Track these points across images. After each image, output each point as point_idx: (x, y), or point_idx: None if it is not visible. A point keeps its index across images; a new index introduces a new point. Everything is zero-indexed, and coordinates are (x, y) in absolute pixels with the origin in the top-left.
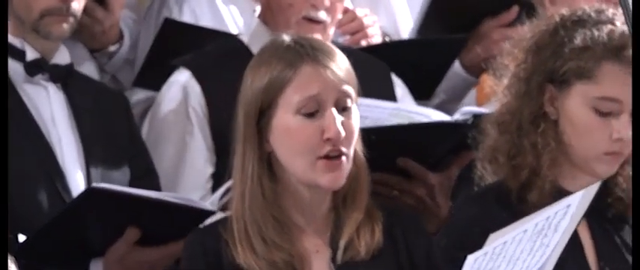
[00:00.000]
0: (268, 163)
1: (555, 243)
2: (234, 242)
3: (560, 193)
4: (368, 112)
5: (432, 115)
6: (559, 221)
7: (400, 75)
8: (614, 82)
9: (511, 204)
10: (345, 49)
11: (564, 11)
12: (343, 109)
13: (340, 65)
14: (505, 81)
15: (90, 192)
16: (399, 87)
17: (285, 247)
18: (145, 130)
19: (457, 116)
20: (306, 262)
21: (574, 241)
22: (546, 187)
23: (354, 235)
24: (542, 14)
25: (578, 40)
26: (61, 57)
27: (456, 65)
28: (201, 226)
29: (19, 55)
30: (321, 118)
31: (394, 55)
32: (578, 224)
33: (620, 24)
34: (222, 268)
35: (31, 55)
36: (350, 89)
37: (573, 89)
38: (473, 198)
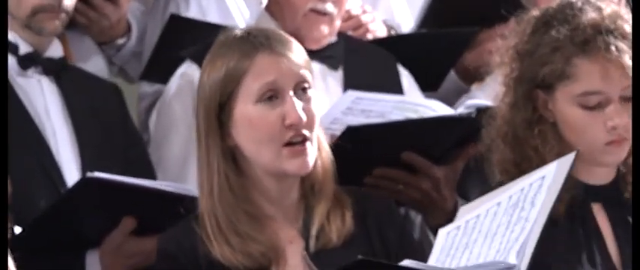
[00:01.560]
0: (232, 157)
1: (534, 217)
2: (209, 237)
3: (582, 186)
4: (372, 105)
5: (436, 107)
6: (535, 194)
7: (407, 67)
8: (590, 76)
9: None
10: (353, 41)
11: (534, 13)
12: (302, 92)
13: (296, 52)
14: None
15: (85, 181)
16: (406, 77)
17: (259, 239)
18: (152, 122)
19: (461, 110)
20: (281, 253)
21: (593, 226)
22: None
23: (325, 222)
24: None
25: (545, 44)
26: (54, 50)
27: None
28: (172, 226)
29: (13, 48)
30: (281, 104)
31: (401, 48)
32: (591, 209)
33: (587, 13)
34: (199, 264)
35: (24, 48)
36: (307, 74)
37: (557, 91)
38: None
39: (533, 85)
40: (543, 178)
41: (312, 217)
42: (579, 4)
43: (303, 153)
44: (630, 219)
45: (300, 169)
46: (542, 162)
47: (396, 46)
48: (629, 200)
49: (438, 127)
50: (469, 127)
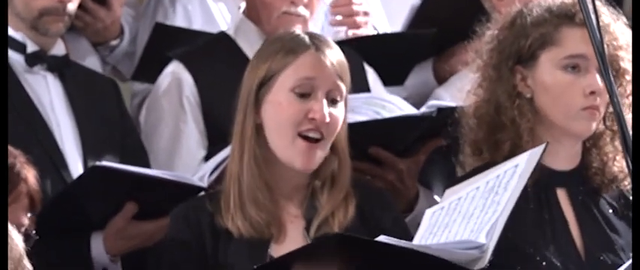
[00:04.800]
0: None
1: (506, 201)
2: (228, 203)
3: (547, 171)
4: None
5: (400, 104)
6: (508, 181)
7: (375, 64)
8: (575, 41)
9: None
10: None
11: (518, 3)
12: (332, 102)
13: (339, 61)
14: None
15: (93, 170)
16: (371, 75)
17: (270, 210)
18: (142, 117)
19: (423, 109)
20: (283, 229)
21: (558, 210)
22: None
23: (329, 216)
24: (494, 19)
25: (535, 14)
26: (58, 49)
27: (430, 76)
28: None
29: (20, 47)
30: (311, 101)
31: (370, 47)
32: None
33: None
34: (203, 236)
35: (31, 47)
36: (342, 86)
37: (541, 60)
38: (464, 177)
39: (514, 62)
40: (516, 166)
41: (316, 209)
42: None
43: (312, 153)
44: (594, 208)
45: (304, 165)
46: (516, 133)
47: (365, 45)
48: (592, 186)
49: (402, 125)
50: (430, 124)
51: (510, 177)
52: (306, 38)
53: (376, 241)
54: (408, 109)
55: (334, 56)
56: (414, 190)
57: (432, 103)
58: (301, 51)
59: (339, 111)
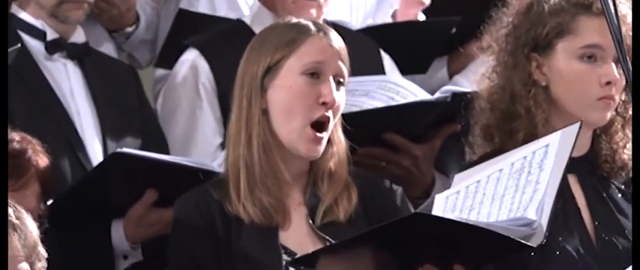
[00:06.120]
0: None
1: (546, 180)
2: (238, 187)
3: None
4: (358, 85)
5: (415, 90)
6: (542, 160)
7: (396, 52)
8: (592, 31)
9: None
10: (338, 28)
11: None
12: (337, 86)
13: (342, 46)
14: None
15: (114, 156)
16: (387, 61)
17: (277, 196)
18: (159, 104)
19: (438, 95)
20: (287, 214)
21: (569, 196)
22: None
23: (333, 203)
24: (510, 4)
25: (552, 3)
26: (78, 36)
27: (444, 72)
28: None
29: (40, 35)
30: (320, 83)
31: (391, 35)
32: (565, 172)
33: None
34: (215, 222)
35: (50, 35)
36: (345, 69)
37: (557, 49)
38: (472, 164)
39: (530, 49)
40: (547, 145)
41: (318, 195)
42: None
43: (319, 142)
44: (604, 194)
45: (309, 151)
46: (532, 123)
47: (385, 33)
48: (601, 174)
49: (416, 110)
50: (445, 109)
51: (543, 156)
52: (310, 24)
53: (446, 218)
54: (423, 95)
55: (338, 41)
56: (430, 176)
57: (447, 89)
58: (307, 36)
59: (341, 95)
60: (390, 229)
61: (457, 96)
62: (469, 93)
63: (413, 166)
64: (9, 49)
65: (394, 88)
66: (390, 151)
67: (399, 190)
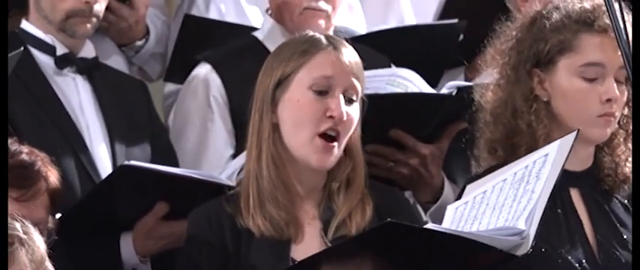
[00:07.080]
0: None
1: (541, 189)
2: (247, 203)
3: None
4: (366, 82)
5: (422, 85)
6: (539, 169)
7: (406, 66)
8: (594, 48)
9: None
10: (349, 41)
11: (538, 3)
12: (348, 101)
13: (355, 60)
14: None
15: (122, 169)
16: None
17: (289, 210)
18: (170, 119)
19: (443, 90)
20: (301, 229)
21: (572, 210)
22: None
23: (347, 217)
24: (514, 18)
25: (554, 19)
26: (87, 51)
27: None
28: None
29: (50, 50)
30: (329, 98)
31: (397, 42)
32: (558, 177)
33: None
34: (225, 237)
35: (60, 50)
36: (358, 84)
37: (559, 65)
38: (482, 174)
39: (532, 65)
40: (547, 155)
41: (332, 210)
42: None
43: (330, 151)
44: (606, 207)
45: (320, 162)
46: (533, 138)
47: (390, 41)
48: (604, 187)
49: (421, 102)
50: (450, 104)
51: (541, 165)
52: (323, 38)
53: (423, 228)
54: (430, 91)
55: (350, 56)
56: (439, 177)
57: (452, 84)
58: (318, 50)
59: (354, 110)
60: (367, 239)
61: (462, 90)
62: (473, 86)
63: (421, 165)
64: (11, 54)
65: (402, 82)
66: (397, 150)
67: (411, 199)
